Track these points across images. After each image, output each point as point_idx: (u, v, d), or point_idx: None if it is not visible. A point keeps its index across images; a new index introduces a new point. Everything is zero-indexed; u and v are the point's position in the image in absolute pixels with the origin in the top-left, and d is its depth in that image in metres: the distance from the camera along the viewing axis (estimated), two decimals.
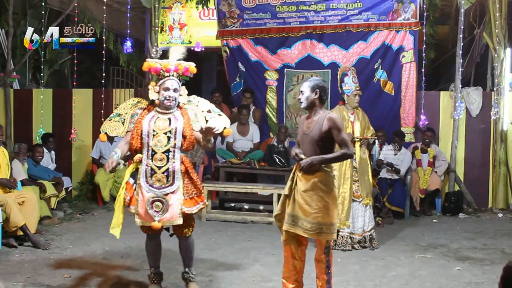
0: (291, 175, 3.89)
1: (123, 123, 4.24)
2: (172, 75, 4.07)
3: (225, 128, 4.24)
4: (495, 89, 8.15)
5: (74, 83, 8.83)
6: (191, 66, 4.16)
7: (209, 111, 4.26)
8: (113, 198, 8.36)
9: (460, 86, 8.11)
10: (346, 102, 5.74)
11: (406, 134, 7.95)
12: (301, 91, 3.92)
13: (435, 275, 4.83)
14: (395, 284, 4.58)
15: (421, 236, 6.39)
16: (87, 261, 5.09)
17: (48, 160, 7.89)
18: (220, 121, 4.22)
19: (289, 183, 3.87)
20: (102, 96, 8.60)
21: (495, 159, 8.18)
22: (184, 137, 4.03)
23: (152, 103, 4.15)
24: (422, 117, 7.81)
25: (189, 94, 4.24)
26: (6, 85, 8.89)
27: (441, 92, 8.66)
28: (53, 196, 7.07)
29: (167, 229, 4.17)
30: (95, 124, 9.02)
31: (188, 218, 4.07)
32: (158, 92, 4.07)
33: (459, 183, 8.26)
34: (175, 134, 4.01)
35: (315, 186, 3.76)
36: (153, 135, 4.00)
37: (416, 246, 5.91)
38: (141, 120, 4.08)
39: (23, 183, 6.51)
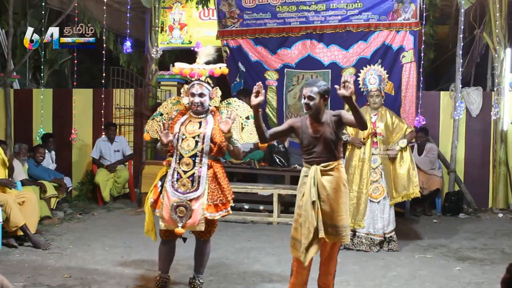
0: (310, 180, 3.68)
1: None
2: (198, 79, 4.00)
3: None
4: (495, 89, 8.16)
5: (74, 83, 8.85)
6: (217, 69, 4.04)
7: (247, 118, 4.19)
8: (113, 198, 8.37)
9: (460, 86, 8.12)
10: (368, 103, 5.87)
11: None
12: (310, 97, 3.74)
13: (435, 275, 4.83)
14: (395, 284, 4.58)
15: (421, 236, 6.39)
16: (87, 261, 5.09)
17: (48, 160, 7.89)
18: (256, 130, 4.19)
19: (313, 189, 3.66)
20: (102, 96, 8.62)
21: (495, 159, 8.19)
22: (214, 142, 3.96)
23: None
24: (417, 118, 7.78)
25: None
26: (6, 85, 8.90)
27: (441, 92, 8.67)
28: (53, 196, 7.07)
29: (184, 239, 4.12)
30: (95, 124, 9.04)
31: (209, 223, 4.01)
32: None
33: (459, 183, 8.26)
34: (203, 139, 3.94)
35: (339, 186, 3.73)
36: (182, 139, 3.96)
37: (416, 246, 5.90)
38: (174, 124, 4.05)
39: (23, 183, 6.52)
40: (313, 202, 3.66)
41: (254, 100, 3.65)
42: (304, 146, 3.83)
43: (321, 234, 3.65)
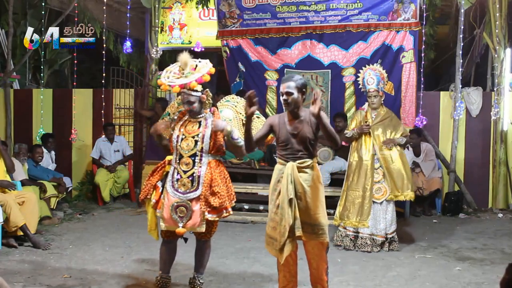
0: (287, 177, 3.65)
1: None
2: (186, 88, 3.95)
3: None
4: (495, 89, 8.15)
5: (74, 83, 8.85)
6: (204, 75, 3.93)
7: None
8: (113, 198, 8.37)
9: (460, 86, 8.12)
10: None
11: None
12: (288, 92, 3.70)
13: (435, 275, 4.83)
14: (395, 284, 4.58)
15: (421, 236, 6.39)
16: (87, 261, 5.09)
17: (48, 160, 7.89)
18: (257, 125, 4.18)
19: (290, 186, 3.63)
20: (102, 96, 8.61)
21: (495, 159, 8.19)
22: (213, 141, 3.96)
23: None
24: (418, 118, 7.78)
25: None
26: (6, 85, 8.90)
27: (441, 92, 8.66)
28: (53, 196, 7.07)
29: (185, 239, 4.12)
30: (95, 124, 9.04)
31: (210, 224, 4.01)
32: None
33: (459, 183, 8.26)
34: (203, 138, 3.95)
35: (315, 183, 3.71)
36: (182, 139, 3.97)
37: (416, 246, 5.90)
38: (175, 125, 4.07)
39: (23, 183, 6.51)
40: (290, 200, 3.63)
41: (249, 110, 3.63)
42: (280, 142, 3.80)
43: (298, 232, 3.63)
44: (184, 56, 4.03)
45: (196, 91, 3.96)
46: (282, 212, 3.64)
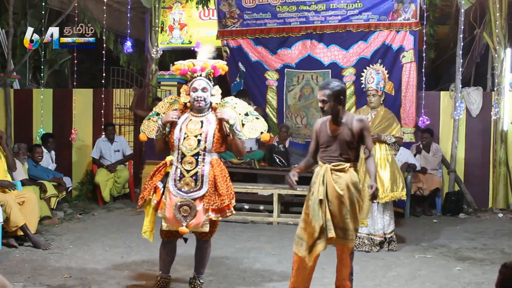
0: (320, 178, 3.66)
1: None
2: (200, 75, 3.98)
3: (262, 133, 4.16)
4: (495, 89, 8.16)
5: (74, 83, 8.85)
6: (219, 64, 4.06)
7: (246, 114, 4.17)
8: (113, 198, 8.37)
9: (460, 86, 8.12)
10: None
11: (406, 134, 7.93)
12: (323, 100, 3.71)
13: (435, 275, 4.83)
14: (395, 284, 4.58)
15: (421, 236, 6.39)
16: (87, 261, 5.09)
17: (48, 160, 7.90)
18: (257, 125, 4.17)
19: (321, 187, 3.62)
20: (102, 96, 8.60)
21: (495, 159, 8.19)
22: (217, 139, 3.95)
23: (185, 105, 4.09)
24: (421, 118, 7.77)
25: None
26: (6, 85, 8.90)
27: (441, 92, 8.67)
28: (53, 196, 7.07)
29: (185, 239, 4.11)
30: (95, 124, 9.04)
31: (211, 224, 3.99)
32: (189, 95, 4.00)
33: (459, 183, 8.26)
34: (206, 137, 3.92)
35: (348, 188, 3.66)
36: (184, 138, 3.94)
37: (416, 246, 5.90)
38: (175, 124, 4.01)
39: (23, 183, 6.51)
40: (321, 201, 3.61)
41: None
42: (320, 144, 3.82)
43: (331, 233, 3.58)
44: (207, 46, 4.12)
45: (210, 80, 3.99)
46: (312, 213, 3.63)
